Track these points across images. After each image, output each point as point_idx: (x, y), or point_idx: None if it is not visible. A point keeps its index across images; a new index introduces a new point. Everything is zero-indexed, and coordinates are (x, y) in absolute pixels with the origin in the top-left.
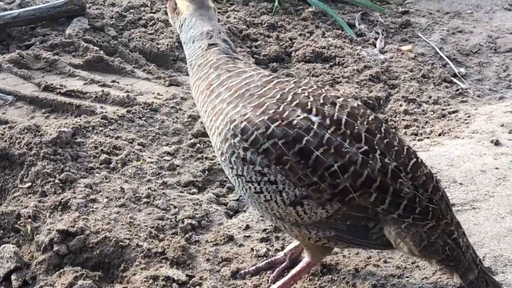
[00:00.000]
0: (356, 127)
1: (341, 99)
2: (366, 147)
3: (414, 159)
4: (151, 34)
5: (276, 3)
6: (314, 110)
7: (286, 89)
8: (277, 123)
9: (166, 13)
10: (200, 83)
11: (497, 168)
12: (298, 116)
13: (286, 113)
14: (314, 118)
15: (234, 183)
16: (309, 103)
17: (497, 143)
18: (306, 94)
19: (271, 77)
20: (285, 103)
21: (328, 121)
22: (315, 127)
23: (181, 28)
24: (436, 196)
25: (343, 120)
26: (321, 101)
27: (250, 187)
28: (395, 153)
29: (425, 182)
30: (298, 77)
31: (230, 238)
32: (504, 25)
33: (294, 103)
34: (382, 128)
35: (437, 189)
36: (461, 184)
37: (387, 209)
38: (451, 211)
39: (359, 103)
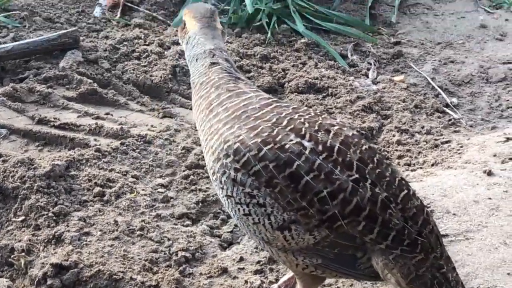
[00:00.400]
0: (348, 155)
1: (336, 127)
2: (357, 176)
3: (406, 191)
4: (145, 66)
5: (269, 35)
6: (307, 135)
7: (283, 113)
8: (269, 146)
9: (159, 45)
10: (201, 102)
11: (490, 198)
12: (291, 140)
13: (280, 136)
14: (306, 144)
15: (224, 203)
16: (303, 129)
17: (489, 173)
18: (302, 120)
19: (270, 100)
20: (280, 127)
21: (320, 147)
22: (307, 152)
23: (186, 46)
24: (426, 229)
25: (336, 148)
26: (316, 127)
27: (239, 209)
28: (386, 183)
29: (415, 215)
30: None
31: (224, 271)
32: (496, 55)
33: (289, 127)
34: (375, 158)
35: (428, 222)
36: (454, 214)
37: (375, 239)
38: (442, 245)
39: (355, 132)
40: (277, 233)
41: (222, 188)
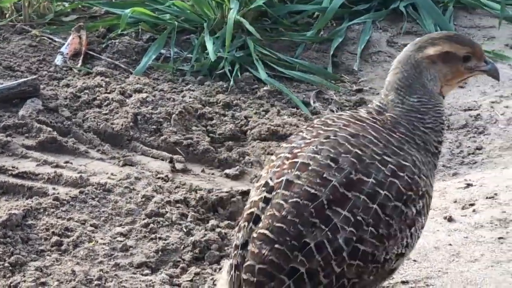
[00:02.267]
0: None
1: (299, 199)
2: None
3: None
4: (106, 114)
5: (232, 82)
6: (274, 182)
7: (303, 156)
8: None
9: (121, 93)
10: None
11: (450, 245)
12: (271, 178)
13: (276, 162)
14: (270, 182)
15: None
16: (284, 176)
17: (450, 219)
18: (303, 173)
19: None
20: (288, 164)
21: (264, 194)
22: (259, 188)
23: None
24: None
25: (277, 201)
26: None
27: None
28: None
29: None
30: (253, 155)
31: None
32: (457, 102)
33: (286, 165)
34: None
35: None
36: (414, 260)
37: None
38: None
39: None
40: None
41: None
